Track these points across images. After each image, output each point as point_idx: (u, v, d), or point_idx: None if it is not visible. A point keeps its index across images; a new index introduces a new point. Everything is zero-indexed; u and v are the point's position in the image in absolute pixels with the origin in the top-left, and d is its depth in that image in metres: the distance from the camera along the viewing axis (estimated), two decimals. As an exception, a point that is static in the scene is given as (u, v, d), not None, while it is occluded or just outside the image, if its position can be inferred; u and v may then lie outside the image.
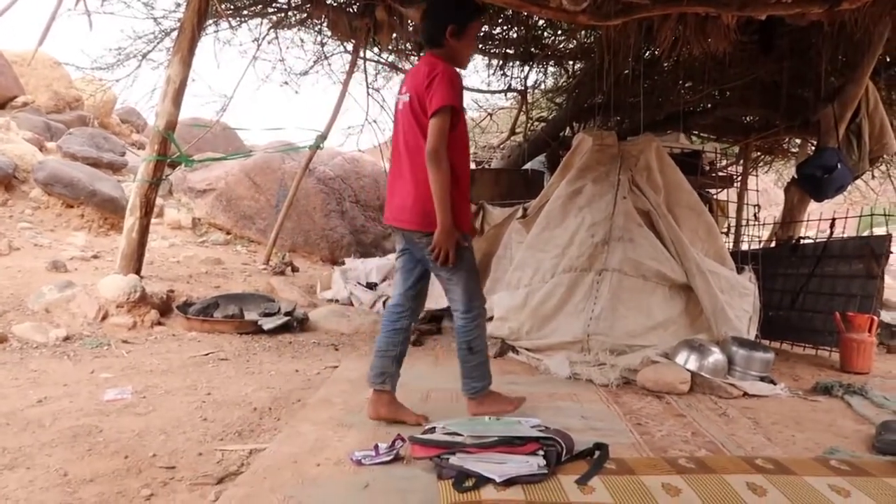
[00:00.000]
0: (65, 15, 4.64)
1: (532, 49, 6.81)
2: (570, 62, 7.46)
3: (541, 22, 6.34)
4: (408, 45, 6.66)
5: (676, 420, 2.91)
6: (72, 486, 2.00)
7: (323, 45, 7.13)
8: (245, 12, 6.19)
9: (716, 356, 3.54)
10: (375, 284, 5.88)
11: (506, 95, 8.61)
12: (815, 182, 5.21)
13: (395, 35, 6.06)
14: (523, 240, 4.64)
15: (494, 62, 7.24)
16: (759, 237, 5.94)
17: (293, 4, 6.17)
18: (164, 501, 1.95)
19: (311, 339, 4.54)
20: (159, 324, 4.48)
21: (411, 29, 5.94)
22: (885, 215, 5.21)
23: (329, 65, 7.41)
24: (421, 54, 6.76)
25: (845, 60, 5.61)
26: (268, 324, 4.53)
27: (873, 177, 7.76)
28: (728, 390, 3.39)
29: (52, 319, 4.16)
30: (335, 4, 5.82)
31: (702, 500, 1.92)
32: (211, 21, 5.94)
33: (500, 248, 5.04)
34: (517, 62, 7.32)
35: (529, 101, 8.20)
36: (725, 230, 6.20)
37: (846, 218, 4.98)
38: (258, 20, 6.47)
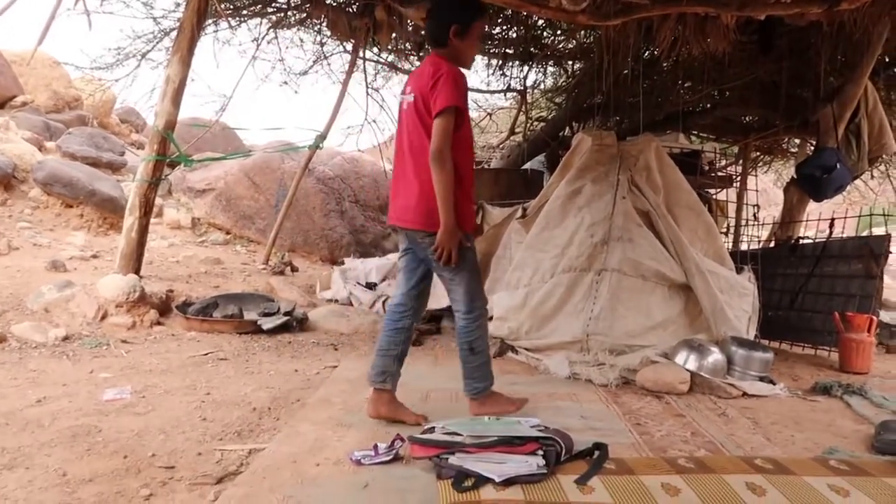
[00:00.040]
0: (64, 14, 4.64)
1: (531, 49, 6.81)
2: (570, 62, 7.46)
3: (540, 22, 6.34)
4: (407, 44, 6.66)
5: (676, 420, 2.91)
6: (71, 486, 2.00)
7: (322, 44, 7.13)
8: (244, 12, 6.19)
9: (715, 356, 3.54)
10: (375, 284, 5.88)
11: (505, 95, 8.62)
12: (814, 182, 5.21)
13: (394, 35, 6.06)
14: (523, 240, 4.65)
15: (494, 62, 7.24)
16: (758, 237, 5.94)
17: (292, 4, 6.17)
18: (163, 501, 1.95)
19: (310, 338, 4.53)
20: (158, 323, 4.48)
21: (410, 29, 5.95)
22: (884, 215, 5.21)
23: (328, 64, 7.41)
24: (420, 54, 6.82)
25: (844, 60, 5.61)
26: (267, 324, 4.52)
27: (872, 177, 7.76)
28: (727, 390, 3.40)
29: (51, 319, 4.15)
30: (334, 4, 5.82)
31: (701, 500, 1.92)
32: (210, 21, 5.94)
33: (499, 247, 5.05)
34: (516, 62, 7.32)
35: (529, 100, 8.21)
36: (725, 230, 6.20)
37: (845, 218, 4.98)
38: (257, 20, 6.46)
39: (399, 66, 7.48)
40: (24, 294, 4.42)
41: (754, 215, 5.85)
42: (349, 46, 6.87)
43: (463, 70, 2.66)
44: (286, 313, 4.73)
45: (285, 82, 7.40)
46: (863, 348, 4.19)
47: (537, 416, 2.65)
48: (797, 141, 7.09)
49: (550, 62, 7.49)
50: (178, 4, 5.86)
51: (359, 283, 5.87)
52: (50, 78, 9.72)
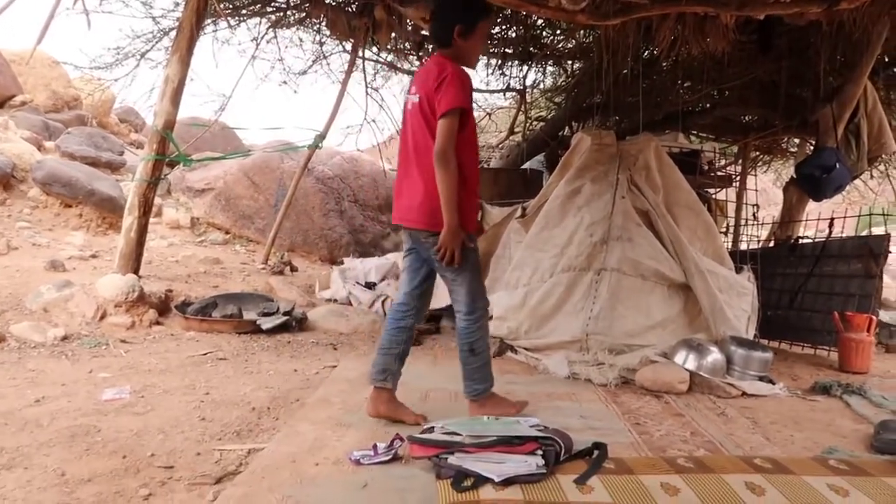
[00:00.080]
0: (63, 14, 4.63)
1: (531, 48, 6.80)
2: (569, 62, 7.46)
3: (539, 21, 6.33)
4: (406, 44, 6.66)
5: (675, 419, 2.91)
6: (70, 486, 2.00)
7: (322, 44, 7.12)
8: (244, 11, 6.18)
9: (714, 356, 3.54)
10: (374, 284, 5.87)
11: (504, 95, 8.61)
12: (813, 182, 5.21)
13: (393, 34, 6.05)
14: (522, 239, 4.64)
15: (493, 61, 7.24)
16: (757, 237, 5.95)
17: (292, 4, 6.16)
18: (162, 501, 1.95)
19: (309, 338, 4.53)
20: (158, 323, 4.47)
21: (410, 28, 5.94)
22: (883, 215, 5.21)
23: (328, 64, 7.40)
24: (419, 54, 6.82)
25: (844, 60, 5.61)
26: (266, 323, 4.52)
27: (872, 176, 7.75)
28: (727, 390, 3.40)
29: (50, 319, 4.15)
30: (334, 4, 5.82)
31: (700, 500, 1.92)
32: (209, 20, 5.93)
33: (498, 247, 5.04)
34: (516, 61, 7.31)
35: (528, 100, 8.20)
36: (724, 230, 6.20)
37: (845, 217, 4.99)
38: (257, 19, 6.46)
39: (398, 65, 7.47)
40: (22, 294, 4.42)
41: (754, 215, 5.85)
42: (348, 46, 6.87)
43: (467, 70, 2.66)
44: (285, 313, 4.73)
45: (284, 82, 7.40)
46: (862, 348, 4.19)
47: (536, 416, 2.65)
48: (797, 141, 7.09)
49: (550, 62, 7.48)
50: (177, 4, 5.86)
51: (358, 283, 5.87)
52: (49, 77, 9.71)
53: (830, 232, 4.91)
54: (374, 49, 7.12)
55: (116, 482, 2.05)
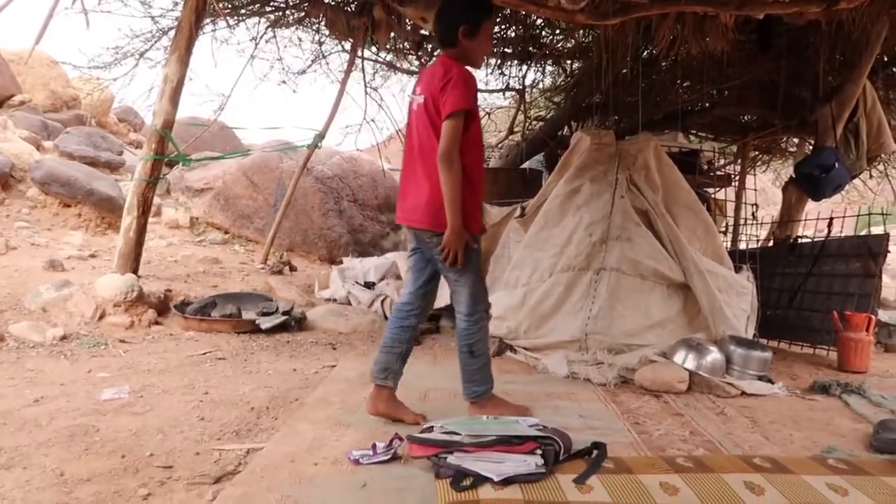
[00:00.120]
0: (62, 13, 4.63)
1: (530, 48, 6.81)
2: (569, 61, 7.46)
3: (539, 21, 6.34)
4: (406, 43, 6.66)
5: (674, 419, 2.91)
6: (68, 486, 2.00)
7: (321, 44, 7.12)
8: (243, 11, 6.17)
9: (714, 355, 3.54)
10: (373, 284, 5.87)
11: (504, 94, 8.61)
12: (812, 181, 5.21)
13: (393, 34, 6.05)
14: (521, 239, 4.64)
15: (492, 61, 7.24)
16: (756, 236, 5.95)
17: (291, 3, 6.16)
18: (161, 501, 1.94)
19: (308, 338, 4.53)
20: (157, 323, 4.47)
21: (409, 28, 5.94)
22: (882, 214, 5.21)
23: (327, 64, 7.40)
24: (419, 53, 6.81)
25: (843, 60, 5.61)
26: (265, 323, 4.52)
27: (871, 176, 7.76)
28: (726, 389, 3.40)
29: (49, 319, 4.15)
30: (333, 3, 5.81)
31: (700, 499, 1.92)
32: (208, 20, 5.93)
33: (498, 247, 5.04)
34: (515, 61, 7.32)
35: (527, 100, 8.20)
36: (723, 229, 6.20)
37: (844, 217, 4.99)
38: (256, 19, 6.45)
39: (397, 65, 7.47)
40: (21, 294, 4.41)
41: (753, 214, 5.85)
42: (347, 45, 6.87)
43: (471, 69, 2.66)
44: (284, 313, 4.72)
45: (284, 81, 7.41)
46: (861, 347, 4.19)
47: (536, 416, 2.65)
48: (796, 140, 7.10)
49: (549, 61, 7.49)
50: (176, 3, 5.86)
51: (357, 283, 5.86)
52: (48, 77, 9.70)
53: (829, 231, 4.91)
54: (374, 49, 7.12)
55: (115, 482, 2.04)
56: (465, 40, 2.60)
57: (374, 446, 2.26)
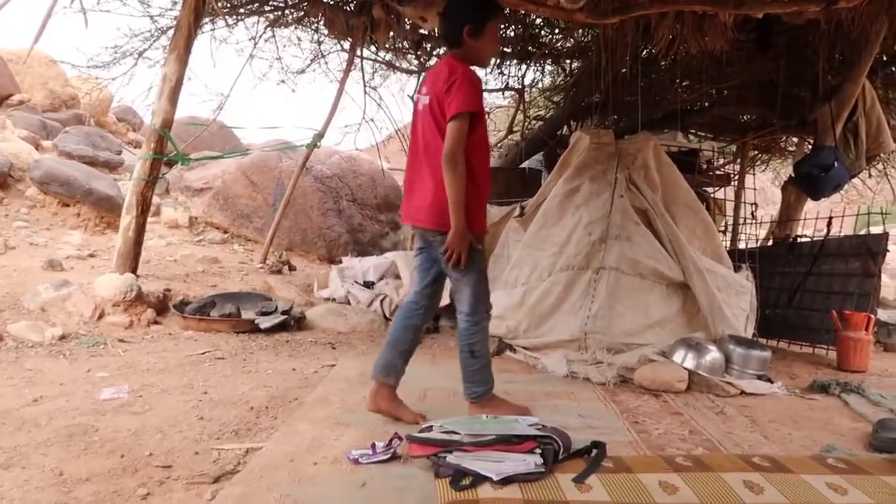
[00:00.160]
0: (60, 12, 4.63)
1: (529, 47, 6.80)
2: (568, 61, 7.45)
3: (538, 20, 6.33)
4: (405, 43, 6.65)
5: (674, 418, 2.91)
6: (67, 486, 2.00)
7: (320, 43, 7.11)
8: (241, 10, 6.17)
9: (713, 354, 3.54)
10: (372, 283, 5.87)
11: (503, 94, 8.61)
12: (812, 180, 5.21)
13: (392, 33, 6.05)
14: (521, 238, 4.64)
15: (492, 60, 7.23)
16: (756, 235, 5.95)
17: (290, 3, 6.15)
18: (160, 500, 1.94)
19: (308, 337, 4.53)
20: (156, 323, 4.46)
21: (408, 27, 5.93)
22: (881, 213, 5.21)
23: (326, 63, 7.39)
24: (417, 53, 6.81)
25: (842, 59, 5.61)
26: (265, 323, 4.52)
27: (870, 175, 7.76)
28: (725, 388, 3.40)
29: (47, 318, 4.14)
30: (332, 3, 5.81)
31: (699, 499, 1.92)
32: (207, 19, 5.92)
33: (497, 246, 5.04)
34: (514, 60, 7.31)
35: (527, 99, 8.20)
36: (723, 228, 6.20)
37: (843, 216, 4.99)
38: (255, 18, 6.44)
39: (397, 64, 7.46)
40: (20, 293, 4.41)
41: (752, 214, 5.85)
42: (347, 45, 6.86)
43: (479, 68, 2.65)
44: (284, 312, 4.72)
45: (283, 81, 7.40)
46: (860, 346, 4.19)
47: (535, 415, 2.65)
48: (795, 139, 7.10)
49: (548, 61, 7.48)
50: (174, 2, 5.84)
51: (356, 282, 5.86)
52: (46, 76, 9.69)
53: (829, 230, 4.91)
54: (373, 48, 7.11)
55: (114, 482, 2.04)
56: (471, 40, 2.59)
57: (373, 446, 2.26)
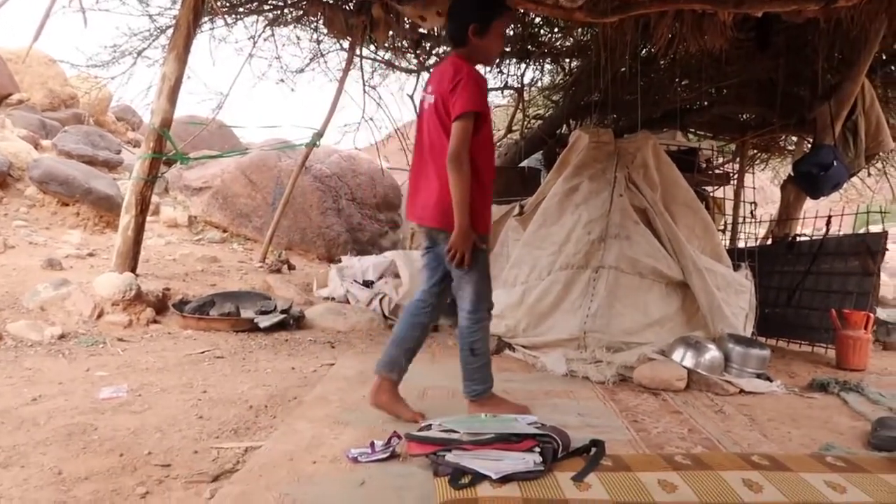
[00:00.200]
0: (59, 12, 4.63)
1: (528, 46, 6.79)
2: (567, 60, 7.45)
3: (537, 19, 6.33)
4: (404, 42, 6.65)
5: (673, 417, 2.91)
6: (66, 485, 2.00)
7: (319, 42, 7.10)
8: (241, 9, 6.16)
9: (712, 353, 3.55)
10: (372, 282, 5.87)
11: (502, 93, 8.61)
12: (811, 179, 5.21)
13: (391, 32, 6.04)
14: (520, 237, 4.64)
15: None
16: (755, 234, 5.96)
17: (289, 2, 6.15)
18: (159, 499, 1.94)
19: (307, 336, 4.53)
20: (155, 322, 4.46)
21: (407, 26, 5.93)
22: (881, 212, 5.22)
23: (325, 62, 7.39)
24: (417, 52, 6.81)
25: (841, 58, 5.61)
26: (264, 322, 4.52)
27: (869, 174, 7.77)
28: (724, 387, 3.40)
29: (47, 317, 4.14)
30: (331, 2, 5.80)
31: (698, 497, 1.92)
32: (206, 18, 5.92)
33: (496, 245, 5.04)
34: (514, 59, 7.31)
35: (526, 98, 8.20)
36: (722, 227, 6.20)
37: (842, 215, 5.00)
38: (254, 17, 6.44)
39: (396, 63, 7.46)
40: (19, 292, 4.41)
41: (751, 212, 5.86)
42: (346, 44, 6.85)
43: (484, 66, 2.65)
44: (283, 311, 4.72)
45: (282, 80, 7.39)
46: (859, 345, 4.20)
47: (534, 414, 2.65)
48: (794, 138, 7.10)
49: (548, 60, 7.48)
50: (174, 2, 5.84)
51: (356, 281, 5.86)
52: (46, 76, 9.68)
53: (828, 229, 4.91)
54: (372, 47, 7.11)
55: (113, 480, 2.04)
56: (476, 39, 2.59)
57: (372, 444, 2.26)
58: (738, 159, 6.92)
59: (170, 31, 5.51)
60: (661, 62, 6.28)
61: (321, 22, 6.24)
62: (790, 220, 5.71)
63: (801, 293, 4.89)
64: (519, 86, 7.81)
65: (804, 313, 4.84)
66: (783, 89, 5.77)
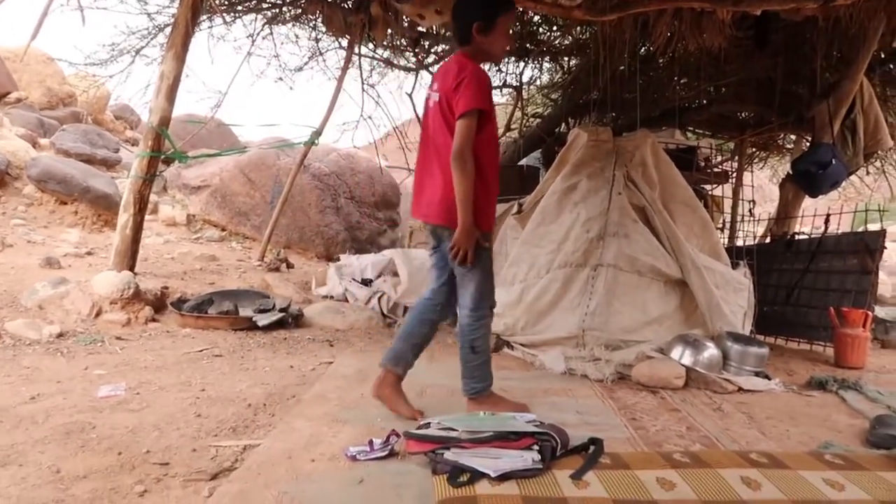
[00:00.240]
0: (58, 10, 4.62)
1: (527, 45, 6.79)
2: (566, 58, 7.45)
3: (536, 18, 6.33)
4: (403, 40, 6.64)
5: (671, 415, 2.91)
6: (64, 483, 1.99)
7: (318, 40, 7.10)
8: (239, 8, 6.16)
9: (710, 351, 3.55)
10: (370, 281, 5.86)
11: (501, 91, 8.60)
12: (809, 178, 5.21)
13: (389, 31, 6.04)
14: (519, 235, 4.64)
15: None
16: (754, 233, 5.96)
17: (287, 0, 6.14)
18: (157, 498, 1.94)
19: (305, 335, 4.53)
20: (153, 320, 4.46)
21: (406, 25, 5.92)
22: (879, 211, 5.21)
23: (324, 61, 7.38)
24: (415, 50, 6.80)
25: (840, 56, 5.61)
26: (262, 320, 4.51)
27: (868, 172, 7.77)
28: (723, 385, 3.40)
29: (45, 316, 4.14)
30: (330, 0, 5.80)
31: (696, 494, 1.93)
32: (205, 16, 5.91)
33: (496, 243, 5.04)
34: (512, 58, 7.31)
35: (525, 97, 8.19)
36: (720, 226, 6.21)
37: (840, 214, 5.00)
38: (252, 16, 6.43)
39: (394, 62, 7.46)
40: (18, 291, 4.40)
41: (750, 211, 5.86)
42: (344, 42, 6.85)
43: (490, 64, 2.64)
44: (281, 310, 4.72)
45: (280, 78, 7.38)
46: (858, 343, 4.20)
47: (533, 412, 2.65)
48: (793, 137, 7.10)
49: (546, 58, 7.47)
50: (172, 0, 5.83)
51: (354, 280, 5.86)
52: (44, 74, 9.67)
53: (826, 228, 4.91)
54: (371, 45, 7.11)
55: (111, 479, 2.04)
56: (480, 37, 2.59)
57: (371, 442, 2.25)
58: (736, 157, 6.92)
59: (168, 30, 5.50)
60: (660, 60, 6.28)
61: (320, 20, 6.24)
62: (789, 218, 5.72)
63: (800, 291, 4.90)
64: (518, 84, 7.81)
65: (803, 311, 4.85)
66: (782, 88, 5.77)
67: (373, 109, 12.85)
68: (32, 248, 5.71)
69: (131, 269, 4.79)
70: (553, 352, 3.82)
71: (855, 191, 9.16)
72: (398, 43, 6.77)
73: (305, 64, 7.37)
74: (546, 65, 7.81)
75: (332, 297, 5.76)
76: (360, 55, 7.01)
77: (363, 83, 7.29)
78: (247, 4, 6.15)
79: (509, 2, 2.76)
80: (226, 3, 5.92)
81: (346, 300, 5.64)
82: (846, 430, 2.82)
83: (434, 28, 5.82)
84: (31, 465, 2.11)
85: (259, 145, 9.11)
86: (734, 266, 4.41)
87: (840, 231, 4.91)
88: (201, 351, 3.86)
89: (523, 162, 7.29)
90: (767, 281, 4.98)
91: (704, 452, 2.34)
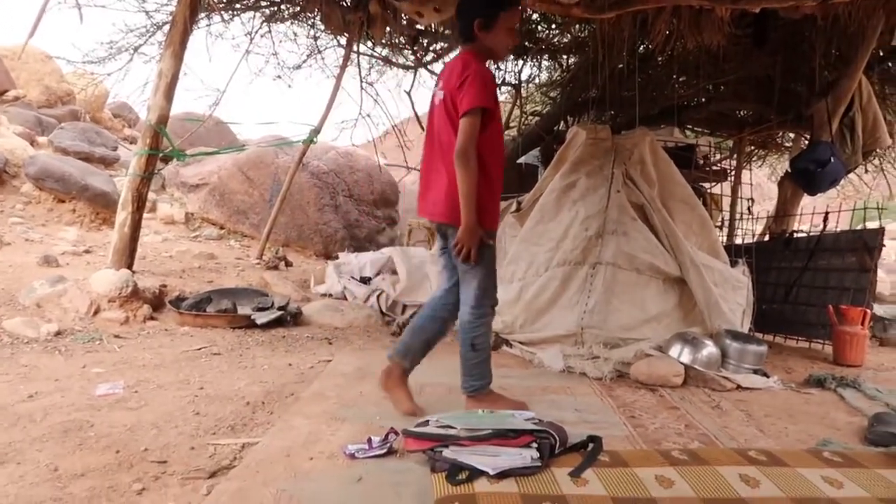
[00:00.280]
0: (55, 8, 4.61)
1: (526, 43, 6.79)
2: (565, 56, 7.44)
3: (535, 16, 6.32)
4: (401, 38, 6.63)
5: (670, 413, 2.91)
6: (62, 481, 1.99)
7: (316, 38, 7.08)
8: (237, 6, 6.14)
9: (709, 349, 3.55)
10: (369, 279, 5.87)
11: (499, 89, 8.59)
12: (808, 176, 5.22)
13: (388, 29, 6.03)
14: (517, 234, 4.64)
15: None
16: (752, 231, 5.96)
17: (286, -2, 6.13)
18: (155, 496, 1.94)
19: (304, 333, 4.52)
20: (152, 318, 4.45)
21: (405, 23, 5.92)
22: (878, 209, 5.22)
23: (322, 59, 7.37)
24: (414, 48, 6.79)
25: (839, 54, 5.61)
26: (261, 318, 4.51)
27: (866, 171, 7.76)
28: (721, 383, 3.40)
29: (43, 314, 4.13)
30: (328, -2, 5.79)
31: (695, 492, 1.93)
32: (203, 14, 5.90)
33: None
34: (511, 56, 7.30)
35: (523, 95, 8.19)
36: (719, 224, 6.21)
37: (839, 212, 5.00)
38: (251, 14, 6.42)
39: (393, 60, 7.45)
40: (15, 289, 4.40)
41: (749, 209, 5.86)
42: (343, 40, 6.84)
43: (495, 62, 2.65)
44: (280, 308, 4.72)
45: (279, 76, 7.36)
46: (856, 341, 4.21)
47: (532, 410, 2.65)
48: (791, 135, 7.10)
49: (545, 56, 7.47)
50: (170, -3, 5.82)
51: (353, 278, 5.86)
52: (42, 72, 9.66)
53: (825, 226, 4.92)
54: (369, 43, 7.10)
55: (109, 477, 2.04)
56: (482, 34, 2.59)
57: (369, 440, 2.25)
58: (735, 156, 6.92)
59: (166, 28, 5.49)
60: (659, 59, 6.28)
61: (318, 18, 6.23)
62: (787, 216, 5.72)
63: (799, 289, 4.90)
64: (516, 82, 7.81)
65: (801, 309, 4.85)
66: (780, 86, 5.77)
67: (371, 107, 12.83)
68: (30, 246, 5.70)
69: (129, 267, 4.79)
70: (552, 350, 3.82)
71: (853, 189, 9.16)
72: (397, 41, 6.76)
73: (304, 62, 7.36)
74: (545, 63, 7.81)
75: (330, 296, 5.76)
76: (358, 53, 7.00)
77: (362, 81, 7.28)
78: (245, 2, 6.14)
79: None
80: (224, 1, 5.91)
81: (345, 298, 5.64)
82: (845, 428, 2.82)
83: (432, 26, 5.81)
84: (28, 463, 2.11)
85: (257, 143, 9.10)
86: (733, 264, 4.41)
87: (839, 229, 4.91)
88: (200, 349, 3.86)
89: (522, 160, 7.29)
90: (766, 279, 4.99)
91: (703, 450, 2.34)
